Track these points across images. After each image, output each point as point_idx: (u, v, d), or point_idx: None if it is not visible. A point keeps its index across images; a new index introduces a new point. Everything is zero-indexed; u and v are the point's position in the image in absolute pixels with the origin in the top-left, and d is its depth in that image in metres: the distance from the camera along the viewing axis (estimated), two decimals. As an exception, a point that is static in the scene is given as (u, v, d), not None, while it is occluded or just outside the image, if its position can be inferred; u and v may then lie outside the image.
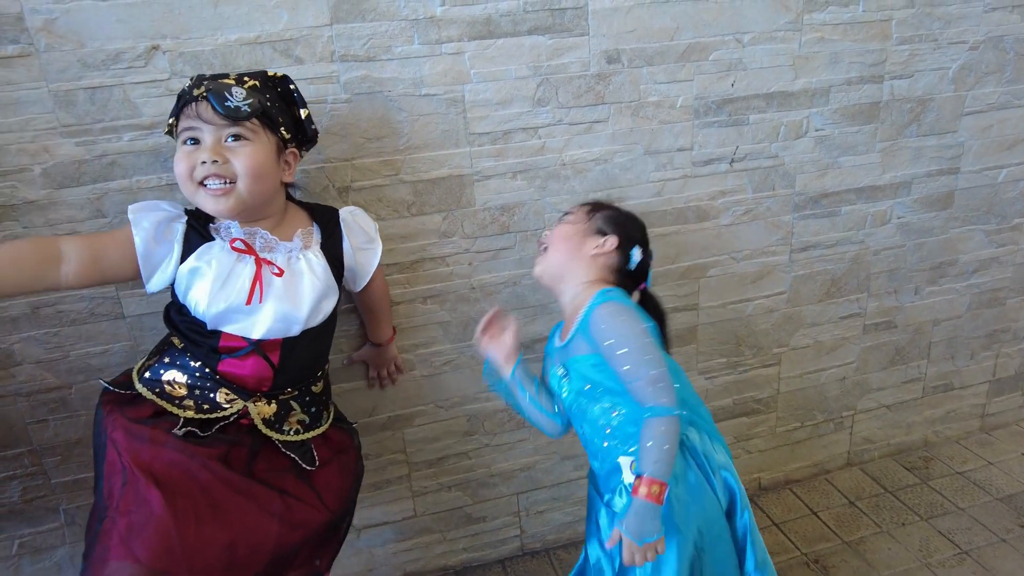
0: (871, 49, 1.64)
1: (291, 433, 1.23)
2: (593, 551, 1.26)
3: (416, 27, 1.35)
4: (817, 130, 1.67)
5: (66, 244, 1.09)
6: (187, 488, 1.06)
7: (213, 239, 1.15)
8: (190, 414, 1.14)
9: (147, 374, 1.18)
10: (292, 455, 1.21)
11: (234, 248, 1.14)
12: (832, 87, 1.65)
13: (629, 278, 1.29)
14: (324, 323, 1.23)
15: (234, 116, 1.08)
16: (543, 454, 1.78)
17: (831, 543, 1.82)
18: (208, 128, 1.09)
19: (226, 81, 1.12)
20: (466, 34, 1.37)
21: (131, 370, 1.21)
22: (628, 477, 1.14)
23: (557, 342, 1.28)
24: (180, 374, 1.16)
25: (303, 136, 1.22)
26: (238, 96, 1.08)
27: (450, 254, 1.52)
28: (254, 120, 1.11)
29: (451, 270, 1.53)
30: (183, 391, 1.16)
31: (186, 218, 1.17)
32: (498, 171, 1.48)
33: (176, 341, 1.20)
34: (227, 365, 1.16)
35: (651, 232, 1.61)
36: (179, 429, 1.11)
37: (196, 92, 1.09)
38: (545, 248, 1.29)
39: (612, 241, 1.26)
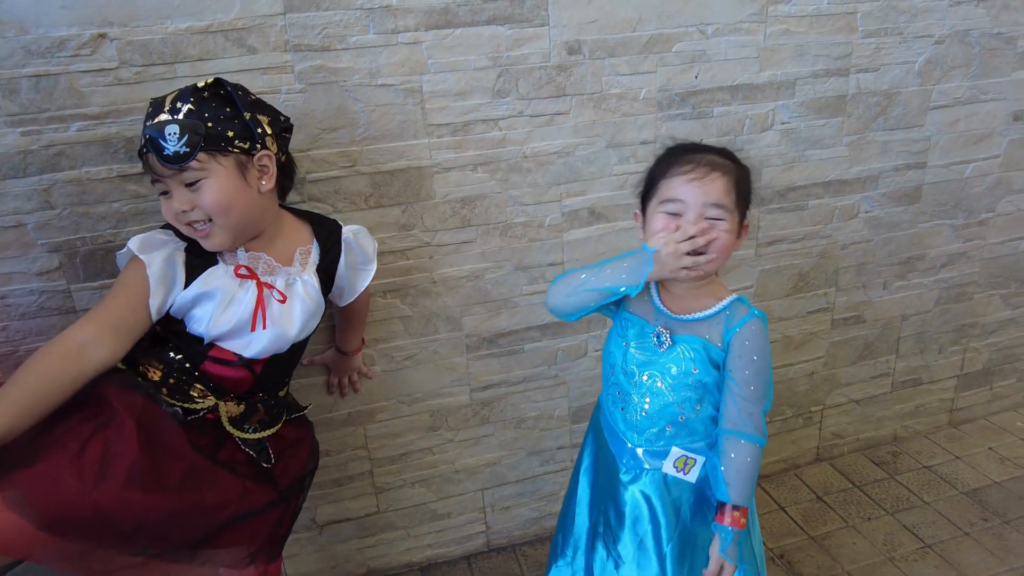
0: (837, 42, 1.64)
1: (250, 431, 1.23)
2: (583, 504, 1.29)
3: (371, 16, 1.33)
4: (783, 123, 1.67)
5: (83, 332, 1.07)
6: (159, 453, 1.06)
7: (216, 262, 1.16)
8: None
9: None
10: (250, 452, 1.22)
11: (238, 275, 1.16)
12: (798, 80, 1.64)
13: None
14: (308, 337, 1.26)
15: (177, 163, 1.05)
16: (508, 450, 1.76)
17: (797, 538, 1.82)
18: (167, 178, 1.08)
19: (161, 119, 1.06)
20: (423, 24, 1.35)
21: None
22: (670, 468, 1.16)
23: (663, 303, 1.17)
24: (156, 362, 1.16)
25: (269, 131, 1.15)
26: (172, 137, 1.04)
27: (410, 247, 1.50)
28: (199, 156, 1.06)
29: (411, 263, 1.51)
30: (157, 376, 1.15)
31: (184, 245, 1.16)
32: (458, 163, 1.47)
33: (158, 329, 1.19)
34: (210, 366, 1.18)
35: (614, 227, 1.63)
36: (167, 408, 1.13)
37: (143, 142, 1.07)
38: (704, 256, 1.08)
39: (747, 228, 1.16)
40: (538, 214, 1.56)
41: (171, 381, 1.16)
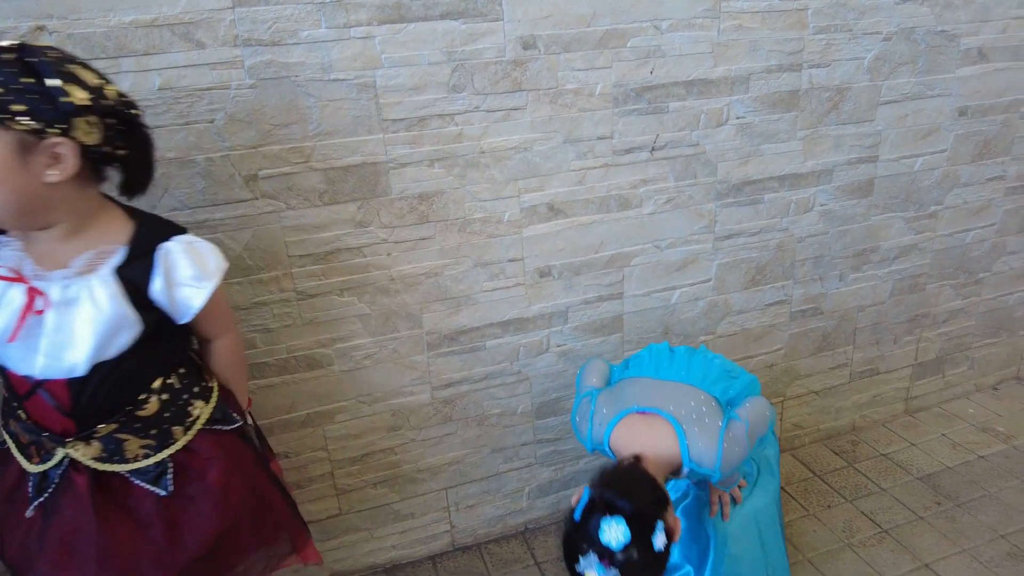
0: (789, 38, 1.66)
1: (139, 459, 1.07)
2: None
3: (323, 10, 1.31)
4: (738, 118, 1.69)
5: None
6: None
7: None
8: (35, 466, 1.05)
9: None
10: (142, 483, 1.08)
11: (2, 278, 0.99)
12: (752, 75, 1.66)
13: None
14: (132, 351, 1.04)
15: None
16: (472, 447, 1.75)
17: (759, 527, 1.84)
18: None
19: None
20: (375, 18, 1.34)
21: None
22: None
23: None
24: (13, 423, 1.07)
25: (89, 117, 0.93)
26: None
27: (367, 244, 1.48)
28: None
29: (368, 261, 1.50)
30: (25, 438, 1.06)
31: None
32: (414, 159, 1.45)
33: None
34: (31, 406, 1.04)
35: (573, 222, 1.63)
36: (31, 510, 1.03)
37: None
38: None
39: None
40: (497, 210, 1.56)
41: (32, 437, 1.05)
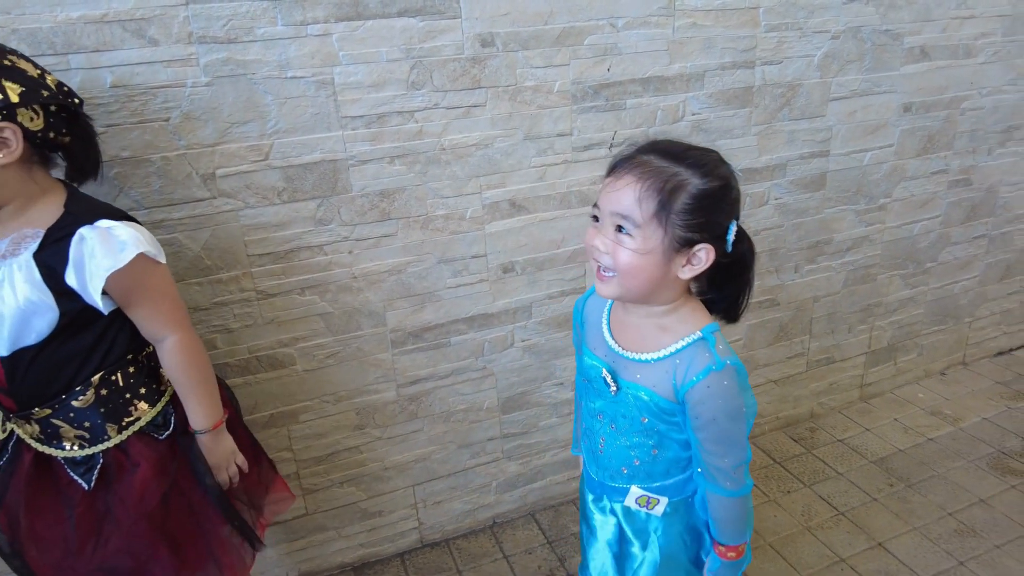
0: (742, 35, 1.71)
1: (73, 448, 1.10)
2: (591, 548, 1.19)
3: (279, 8, 1.30)
4: (694, 114, 1.72)
5: None
6: None
7: None
8: None
9: None
10: (72, 473, 1.10)
11: None
12: (707, 72, 1.70)
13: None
14: (57, 340, 1.04)
15: None
16: (438, 444, 1.76)
17: (722, 514, 1.89)
18: None
19: None
20: (333, 15, 1.34)
21: None
22: (632, 503, 1.10)
23: (612, 340, 1.05)
24: None
25: (16, 100, 0.94)
26: None
27: (328, 242, 1.48)
28: None
29: (330, 259, 1.49)
30: None
31: None
32: (375, 156, 1.45)
33: None
34: None
35: (535, 218, 1.65)
36: None
37: None
38: (611, 274, 0.95)
39: (707, 253, 0.92)
40: (459, 206, 1.57)
41: None
